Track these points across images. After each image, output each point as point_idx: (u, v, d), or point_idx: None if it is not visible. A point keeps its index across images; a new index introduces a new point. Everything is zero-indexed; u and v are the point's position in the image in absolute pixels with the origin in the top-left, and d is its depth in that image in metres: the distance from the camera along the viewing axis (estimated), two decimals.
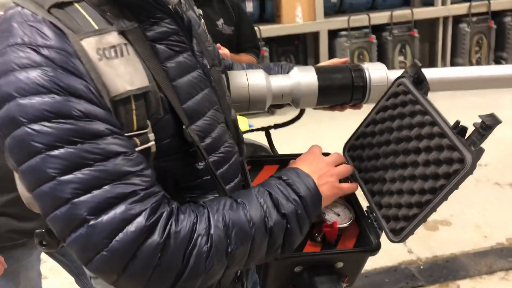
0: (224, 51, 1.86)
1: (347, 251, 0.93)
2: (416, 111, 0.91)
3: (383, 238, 0.93)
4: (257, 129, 1.28)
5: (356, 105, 1.20)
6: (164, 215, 0.64)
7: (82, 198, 0.59)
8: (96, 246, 0.60)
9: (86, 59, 0.62)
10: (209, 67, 0.88)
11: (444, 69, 1.12)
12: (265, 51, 4.88)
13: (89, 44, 0.63)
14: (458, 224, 2.95)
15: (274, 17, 5.22)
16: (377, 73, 1.16)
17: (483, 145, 0.80)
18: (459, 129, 0.83)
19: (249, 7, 5.01)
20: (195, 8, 0.98)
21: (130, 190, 0.62)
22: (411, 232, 0.87)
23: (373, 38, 5.20)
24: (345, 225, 0.96)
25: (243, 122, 2.93)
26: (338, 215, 0.97)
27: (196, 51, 0.84)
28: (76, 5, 0.66)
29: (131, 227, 0.61)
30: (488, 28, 5.56)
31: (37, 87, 0.59)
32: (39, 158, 0.59)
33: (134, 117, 0.67)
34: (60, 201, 0.60)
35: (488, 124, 0.78)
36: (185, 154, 0.77)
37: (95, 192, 0.60)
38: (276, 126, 1.25)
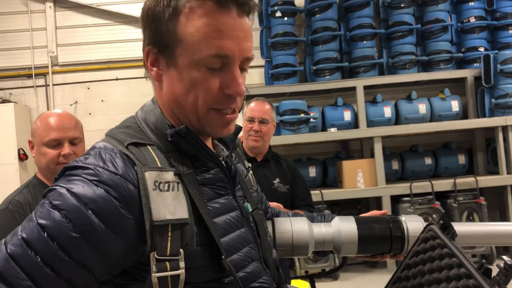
0: (279, 206, 2.02)
1: None
2: (444, 254, 0.97)
3: None
4: (302, 277, 1.34)
5: (396, 255, 1.26)
6: None
7: None
8: None
9: (143, 186, 0.79)
10: (251, 210, 1.02)
11: (472, 223, 1.18)
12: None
13: (150, 176, 0.80)
14: None
15: (336, 182, 5.45)
16: (414, 224, 1.24)
17: None
18: (483, 270, 0.88)
19: (312, 172, 5.31)
20: (245, 162, 1.18)
21: None
22: None
23: (437, 204, 5.17)
24: None
25: (304, 286, 2.94)
26: None
27: (239, 195, 0.99)
28: (149, 147, 0.86)
29: None
30: None
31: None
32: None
33: (169, 244, 0.78)
34: None
35: (510, 265, 0.84)
36: (217, 284, 0.85)
37: None
38: (321, 275, 1.32)
